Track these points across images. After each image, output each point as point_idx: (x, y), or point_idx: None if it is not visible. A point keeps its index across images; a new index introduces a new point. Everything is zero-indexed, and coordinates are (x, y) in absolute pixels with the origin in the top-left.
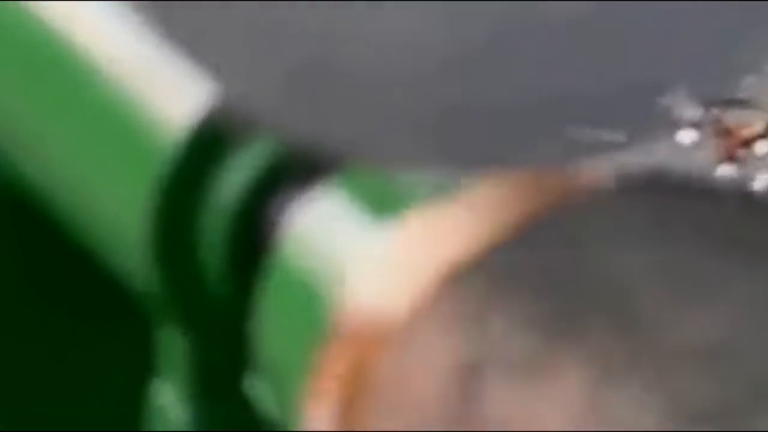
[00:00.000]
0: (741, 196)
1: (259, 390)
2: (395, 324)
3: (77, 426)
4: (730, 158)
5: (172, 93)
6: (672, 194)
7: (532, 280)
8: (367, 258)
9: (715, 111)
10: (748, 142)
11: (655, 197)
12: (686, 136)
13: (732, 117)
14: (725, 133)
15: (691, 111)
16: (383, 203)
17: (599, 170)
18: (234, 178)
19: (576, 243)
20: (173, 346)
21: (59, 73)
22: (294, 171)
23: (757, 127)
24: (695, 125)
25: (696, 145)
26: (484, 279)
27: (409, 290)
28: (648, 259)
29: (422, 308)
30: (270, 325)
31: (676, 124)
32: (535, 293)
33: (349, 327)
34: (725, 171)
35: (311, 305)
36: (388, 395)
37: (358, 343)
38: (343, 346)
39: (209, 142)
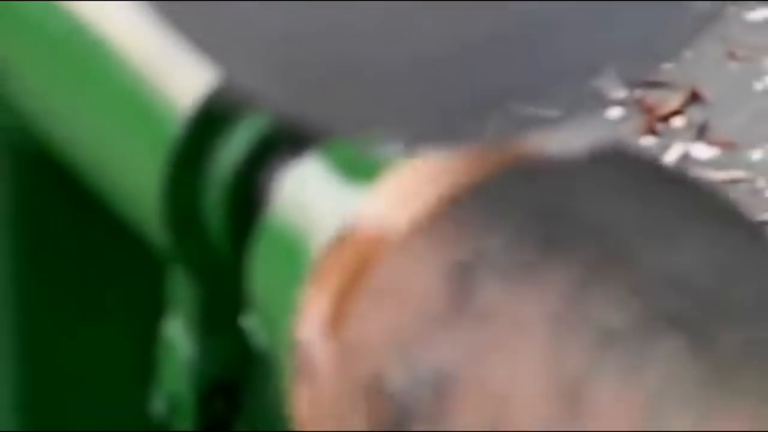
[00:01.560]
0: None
1: (253, 325)
2: (395, 234)
3: (104, 352)
4: (651, 131)
5: (180, 75)
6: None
7: (524, 208)
8: (345, 211)
9: (638, 91)
10: (665, 118)
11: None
12: (614, 113)
13: (652, 96)
14: (647, 109)
15: (618, 91)
16: (359, 169)
17: (542, 141)
18: (233, 148)
19: (556, 187)
20: (182, 289)
21: (88, 60)
22: (284, 142)
23: (673, 105)
24: (621, 103)
25: (622, 120)
26: (478, 206)
27: (408, 214)
28: (622, 206)
29: (421, 225)
30: (262, 272)
31: (605, 102)
32: (527, 218)
33: (351, 237)
34: (647, 141)
35: (296, 254)
36: (382, 289)
37: (358, 248)
38: (344, 251)
39: (212, 117)
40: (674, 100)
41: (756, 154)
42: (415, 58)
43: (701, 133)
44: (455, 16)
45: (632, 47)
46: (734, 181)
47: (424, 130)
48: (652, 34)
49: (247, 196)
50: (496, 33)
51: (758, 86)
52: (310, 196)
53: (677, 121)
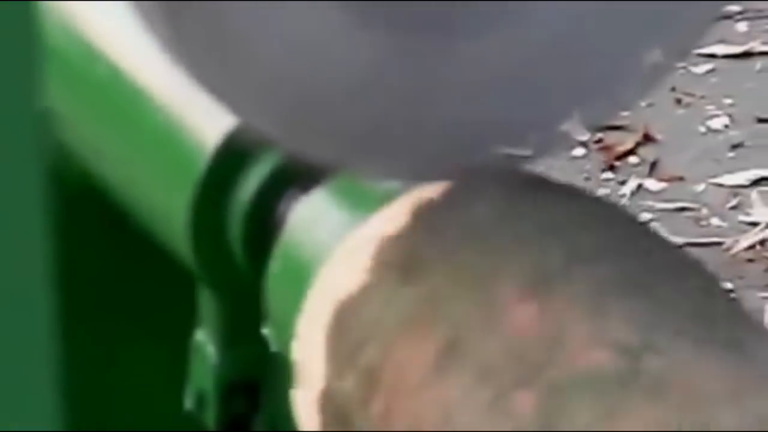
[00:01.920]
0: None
1: (269, 334)
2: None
3: (150, 355)
4: (610, 168)
5: (205, 118)
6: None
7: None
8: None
9: (598, 134)
10: (622, 156)
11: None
12: (578, 152)
13: (610, 137)
14: (606, 149)
15: (581, 133)
16: (359, 203)
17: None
18: (251, 182)
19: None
20: (208, 303)
21: (127, 106)
22: (295, 178)
23: (629, 145)
24: (584, 144)
25: (585, 158)
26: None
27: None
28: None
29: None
30: (276, 289)
31: (570, 143)
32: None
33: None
34: (607, 175)
35: (304, 275)
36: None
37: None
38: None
39: (232, 155)
40: (629, 141)
41: (699, 187)
42: (411, 112)
43: (653, 169)
44: (447, 73)
45: (595, 98)
46: (681, 210)
47: (418, 169)
48: (613, 87)
49: (264, 224)
50: (482, 89)
51: (701, 129)
52: (316, 225)
53: (632, 159)
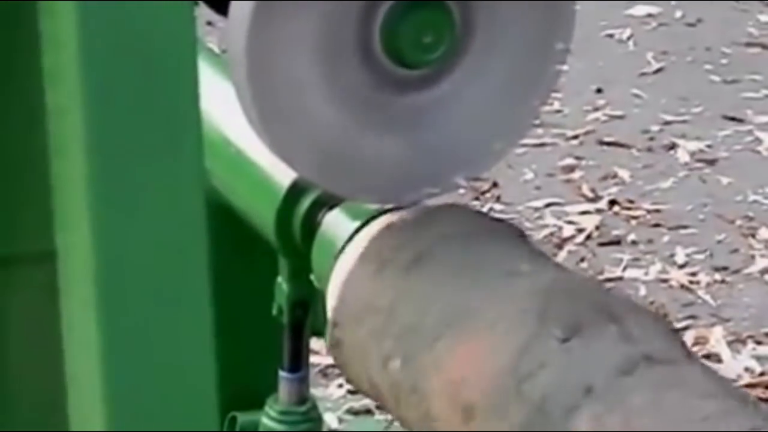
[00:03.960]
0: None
1: (313, 279)
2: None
3: (256, 291)
4: (476, 198)
5: (283, 174)
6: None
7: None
8: (349, 236)
9: (471, 182)
10: (483, 193)
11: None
12: (462, 191)
13: (476, 184)
14: (474, 189)
15: (463, 182)
16: (358, 215)
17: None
18: (305, 204)
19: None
20: (284, 263)
21: (248, 168)
22: (326, 202)
23: (485, 188)
24: (464, 187)
25: (464, 193)
26: (391, 239)
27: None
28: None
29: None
30: (316, 257)
31: (459, 186)
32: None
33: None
34: (474, 204)
35: (329, 251)
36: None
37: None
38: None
39: (296, 190)
40: (485, 185)
41: (520, 208)
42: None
43: (497, 200)
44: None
45: (470, 167)
46: (511, 220)
47: (387, 200)
48: (479, 161)
49: (311, 225)
50: (415, 171)
51: (521, 180)
52: (335, 226)
53: (487, 195)
